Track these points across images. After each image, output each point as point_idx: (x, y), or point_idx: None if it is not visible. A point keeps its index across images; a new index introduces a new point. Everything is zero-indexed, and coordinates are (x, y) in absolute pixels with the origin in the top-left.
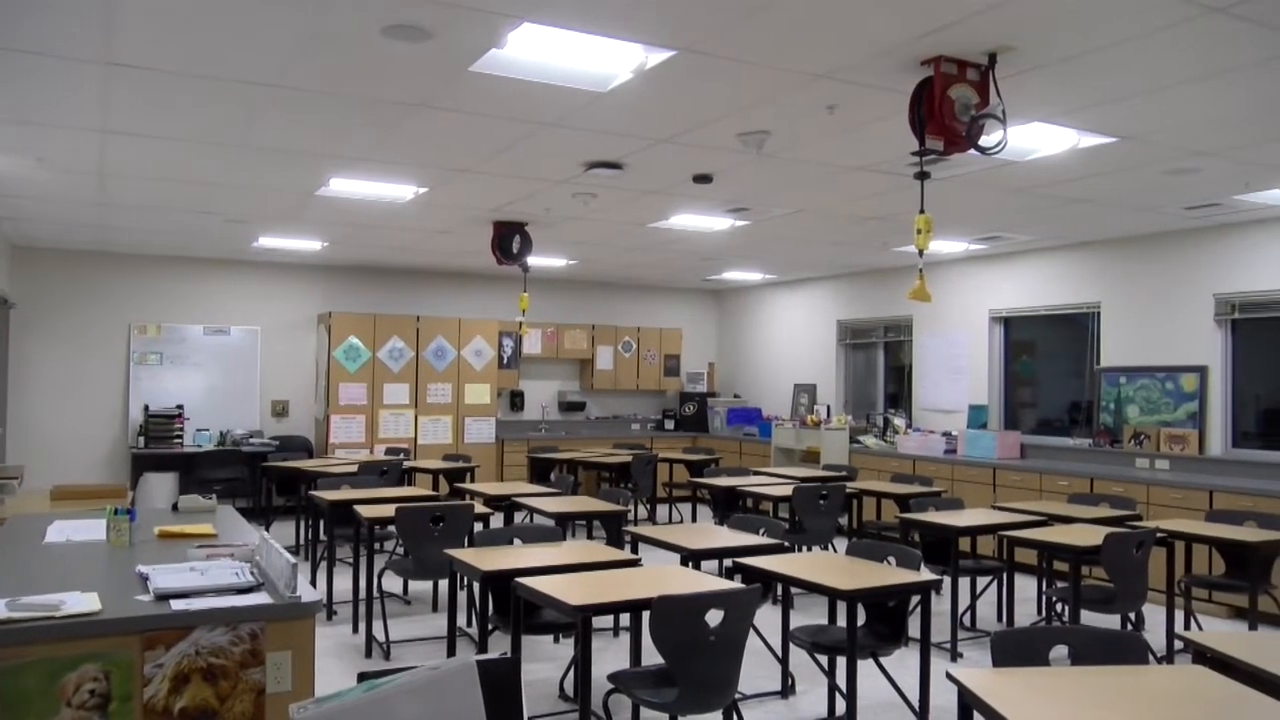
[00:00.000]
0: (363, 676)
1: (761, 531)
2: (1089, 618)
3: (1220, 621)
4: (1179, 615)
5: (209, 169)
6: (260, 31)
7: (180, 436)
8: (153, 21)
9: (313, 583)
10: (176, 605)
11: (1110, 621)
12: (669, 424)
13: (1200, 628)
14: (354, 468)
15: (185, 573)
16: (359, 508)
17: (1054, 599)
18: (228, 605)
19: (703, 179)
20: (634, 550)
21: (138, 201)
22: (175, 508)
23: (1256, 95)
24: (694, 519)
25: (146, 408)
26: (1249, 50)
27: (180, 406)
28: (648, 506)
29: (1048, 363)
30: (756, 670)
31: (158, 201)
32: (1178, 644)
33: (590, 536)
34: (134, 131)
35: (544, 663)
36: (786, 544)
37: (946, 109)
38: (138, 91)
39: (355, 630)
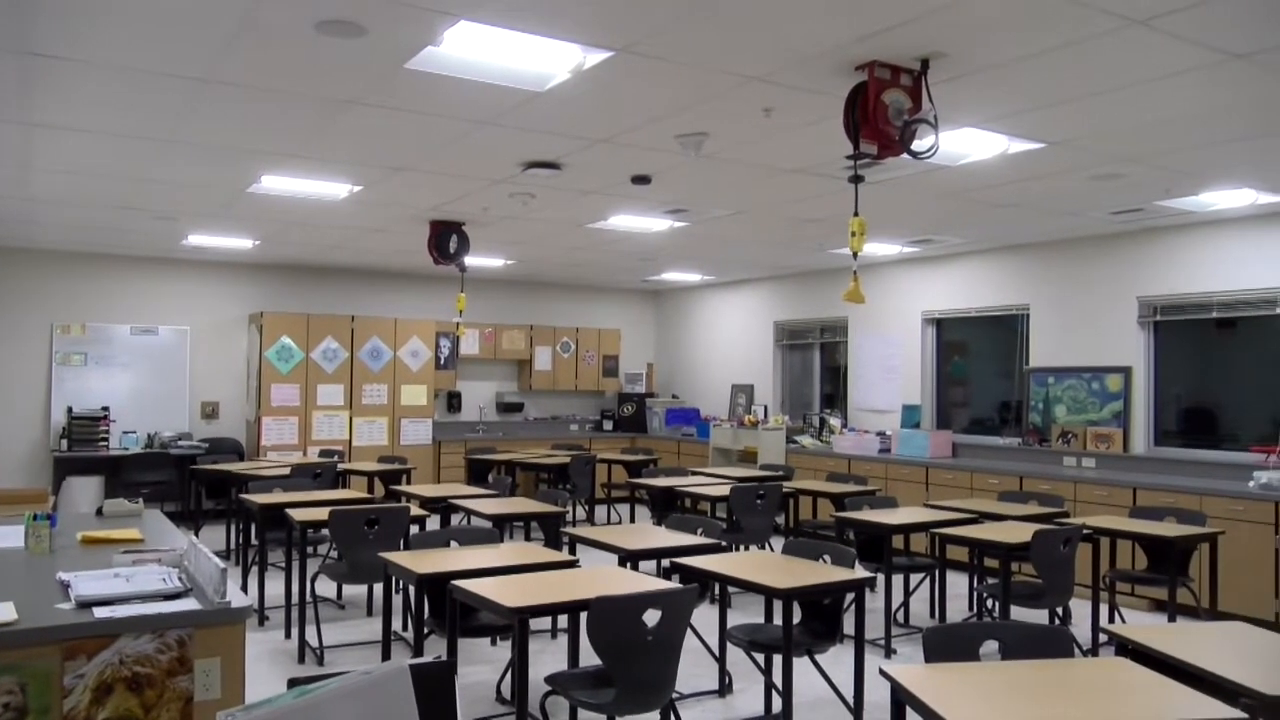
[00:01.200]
0: (293, 682)
1: (699, 531)
2: (1018, 613)
3: (1142, 614)
4: (1104, 609)
5: (136, 164)
6: (188, 24)
7: (106, 439)
8: (71, 9)
9: (244, 588)
10: (100, 613)
11: (1039, 616)
12: (607, 424)
13: (1124, 620)
14: (286, 470)
15: (109, 579)
16: (291, 511)
17: (985, 595)
18: (154, 612)
19: (641, 180)
20: (572, 551)
21: (61, 197)
22: (100, 512)
23: (1176, 105)
24: (632, 519)
25: (70, 409)
26: (1169, 62)
27: (106, 408)
28: (586, 507)
29: (979, 363)
30: (694, 669)
31: (82, 197)
32: (1102, 637)
33: (528, 538)
34: (56, 124)
35: (481, 665)
36: (724, 543)
37: (880, 114)
38: (59, 83)
39: (288, 636)
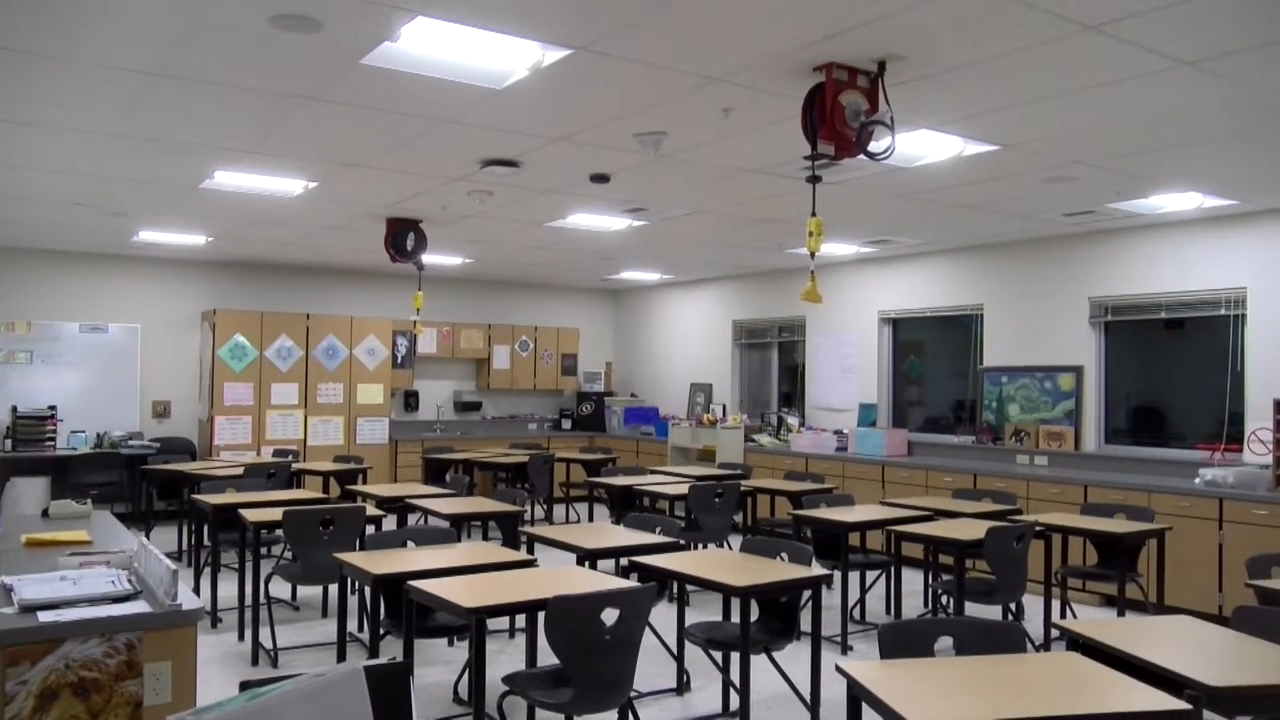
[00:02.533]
0: (245, 685)
1: (657, 530)
2: (972, 609)
3: (1093, 609)
4: (1056, 605)
5: (85, 159)
6: (139, 16)
7: (52, 439)
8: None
9: (195, 590)
10: (44, 617)
11: (992, 612)
12: (566, 424)
13: (1075, 615)
14: (240, 470)
15: (55, 582)
16: (245, 511)
17: (939, 591)
18: (102, 615)
19: (600, 178)
20: (530, 551)
21: (7, 192)
22: (46, 514)
23: (1127, 110)
24: (591, 519)
25: (14, 409)
26: (1120, 67)
27: (53, 407)
28: (544, 507)
29: (934, 363)
30: (652, 667)
31: (29, 192)
32: (1054, 632)
33: (486, 538)
34: (2, 118)
35: (438, 666)
36: (682, 542)
37: (837, 115)
38: (4, 75)
39: (241, 638)
